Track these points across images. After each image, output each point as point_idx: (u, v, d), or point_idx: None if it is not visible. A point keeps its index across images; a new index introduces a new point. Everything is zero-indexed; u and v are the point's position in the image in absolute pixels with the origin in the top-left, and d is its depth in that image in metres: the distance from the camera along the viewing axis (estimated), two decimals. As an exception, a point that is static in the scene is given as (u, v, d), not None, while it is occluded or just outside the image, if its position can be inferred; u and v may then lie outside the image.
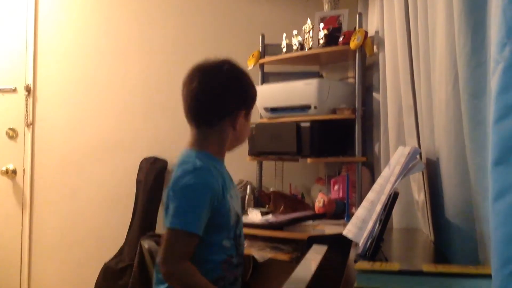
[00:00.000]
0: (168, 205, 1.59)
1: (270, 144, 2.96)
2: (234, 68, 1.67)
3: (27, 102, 3.79)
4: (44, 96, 3.81)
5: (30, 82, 3.80)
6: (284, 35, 3.09)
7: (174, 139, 3.55)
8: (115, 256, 3.44)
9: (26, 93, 3.78)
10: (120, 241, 3.47)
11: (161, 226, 3.51)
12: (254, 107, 1.74)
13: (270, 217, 2.74)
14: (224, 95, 1.63)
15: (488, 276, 0.93)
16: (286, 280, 1.56)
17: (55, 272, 3.73)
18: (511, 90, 0.85)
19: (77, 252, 3.69)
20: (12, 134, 3.82)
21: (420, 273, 1.05)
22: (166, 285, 1.63)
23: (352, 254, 1.51)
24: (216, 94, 1.62)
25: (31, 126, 3.79)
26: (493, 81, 0.90)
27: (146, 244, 2.23)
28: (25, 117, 3.79)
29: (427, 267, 1.09)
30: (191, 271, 1.56)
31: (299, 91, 2.87)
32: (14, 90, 3.83)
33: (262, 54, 3.22)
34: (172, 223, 1.55)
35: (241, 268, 1.76)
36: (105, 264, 3.41)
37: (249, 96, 1.68)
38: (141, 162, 3.57)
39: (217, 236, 1.64)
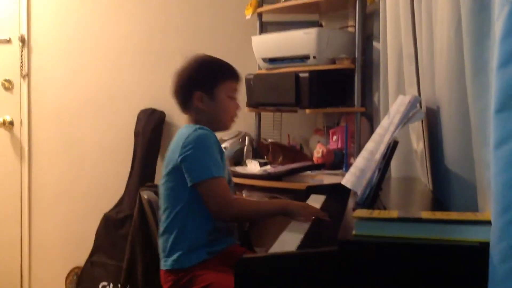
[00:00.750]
0: (178, 163, 1.78)
1: (269, 95, 2.93)
2: (196, 58, 1.94)
3: (22, 53, 3.73)
4: (39, 47, 3.75)
5: (24, 32, 3.73)
6: (283, -18, 3.02)
7: (171, 91, 3.52)
8: (115, 206, 3.47)
9: (20, 44, 3.73)
10: (120, 191, 3.49)
11: (160, 176, 3.54)
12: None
13: (268, 168, 2.75)
14: (183, 81, 1.93)
15: (488, 222, 0.93)
16: (285, 229, 1.57)
17: (56, 222, 3.76)
18: None
19: (77, 203, 3.72)
20: (8, 86, 3.78)
21: (419, 220, 1.05)
22: (177, 255, 1.80)
23: (351, 203, 1.52)
24: (179, 81, 1.95)
25: (26, 77, 3.75)
26: (498, 26, 0.88)
27: (145, 195, 2.23)
28: (21, 68, 3.74)
29: (426, 214, 1.09)
30: (244, 202, 1.89)
31: (298, 41, 2.83)
32: (9, 41, 3.77)
33: (260, 3, 3.14)
34: (200, 177, 1.74)
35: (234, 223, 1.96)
36: (105, 214, 3.45)
37: (204, 79, 1.91)
38: (139, 114, 3.54)
39: None
